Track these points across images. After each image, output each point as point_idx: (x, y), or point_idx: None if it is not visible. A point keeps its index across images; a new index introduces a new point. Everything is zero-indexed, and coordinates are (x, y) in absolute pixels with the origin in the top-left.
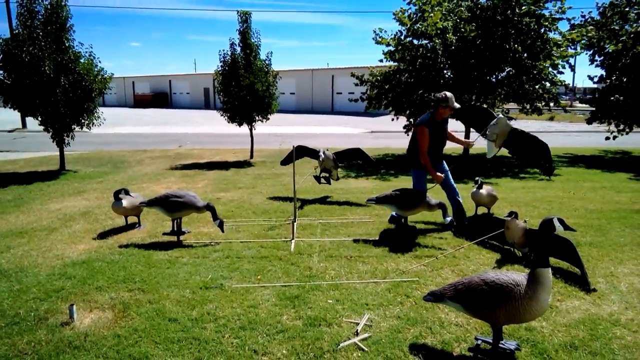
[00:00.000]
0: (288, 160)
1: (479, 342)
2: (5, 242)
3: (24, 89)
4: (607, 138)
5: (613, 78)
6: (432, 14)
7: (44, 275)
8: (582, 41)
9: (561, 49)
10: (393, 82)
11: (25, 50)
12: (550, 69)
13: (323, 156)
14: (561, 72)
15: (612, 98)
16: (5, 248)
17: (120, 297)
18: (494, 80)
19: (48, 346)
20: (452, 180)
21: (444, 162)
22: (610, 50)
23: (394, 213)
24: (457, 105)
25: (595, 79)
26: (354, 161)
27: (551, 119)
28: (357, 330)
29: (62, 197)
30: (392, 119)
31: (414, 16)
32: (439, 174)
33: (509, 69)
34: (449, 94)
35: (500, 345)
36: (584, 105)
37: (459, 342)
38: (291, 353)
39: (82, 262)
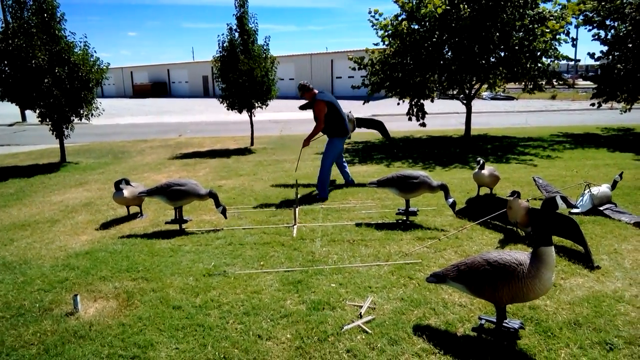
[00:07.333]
0: (307, 106)
1: (483, 321)
2: (9, 235)
3: (19, 81)
4: (593, 105)
5: (616, 54)
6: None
7: (48, 266)
8: (579, 18)
9: (560, 18)
10: (393, 63)
11: (16, 42)
12: (549, 41)
13: (350, 115)
14: (565, 41)
15: (617, 69)
16: (8, 241)
17: (124, 286)
18: (493, 60)
19: (53, 336)
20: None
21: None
22: (615, 24)
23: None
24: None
25: (597, 55)
26: (371, 129)
27: (553, 97)
28: (361, 313)
29: (64, 189)
30: (398, 103)
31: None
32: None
33: (504, 50)
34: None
35: (504, 324)
36: (586, 82)
37: (462, 322)
38: (295, 337)
39: (85, 252)
